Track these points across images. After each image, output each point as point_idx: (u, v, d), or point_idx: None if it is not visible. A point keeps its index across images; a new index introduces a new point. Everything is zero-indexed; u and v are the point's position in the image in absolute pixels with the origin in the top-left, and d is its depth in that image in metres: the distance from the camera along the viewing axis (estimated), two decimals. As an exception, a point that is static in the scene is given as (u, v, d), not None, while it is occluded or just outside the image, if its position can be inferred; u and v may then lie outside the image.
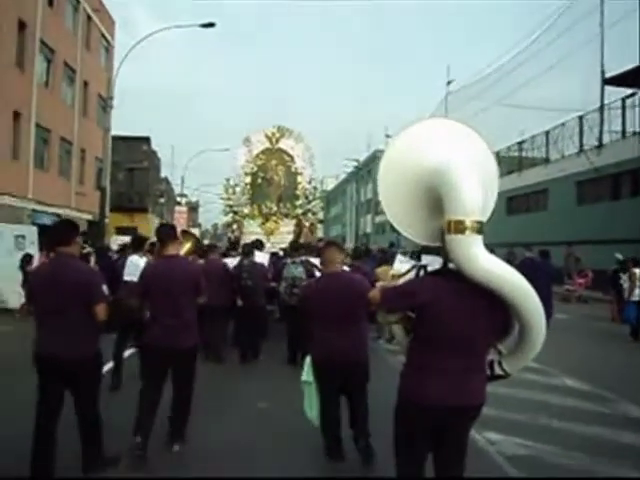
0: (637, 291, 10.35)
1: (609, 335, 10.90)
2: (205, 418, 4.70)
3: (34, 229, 13.88)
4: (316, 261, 7.43)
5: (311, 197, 14.43)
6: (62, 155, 22.78)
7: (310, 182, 14.48)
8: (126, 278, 5.95)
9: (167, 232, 4.47)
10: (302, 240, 12.16)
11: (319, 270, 5.82)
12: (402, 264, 3.22)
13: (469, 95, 32.06)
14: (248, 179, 14.14)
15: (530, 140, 26.47)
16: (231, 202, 14.13)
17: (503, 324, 2.57)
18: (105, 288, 3.78)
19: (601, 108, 21.25)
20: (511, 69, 29.54)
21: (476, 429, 2.93)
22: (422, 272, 2.82)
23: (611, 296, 12.97)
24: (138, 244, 6.75)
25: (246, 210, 14.03)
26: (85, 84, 25.10)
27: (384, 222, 42.31)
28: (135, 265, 5.86)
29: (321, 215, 17.67)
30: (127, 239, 15.68)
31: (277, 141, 14.35)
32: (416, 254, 3.63)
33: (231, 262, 8.26)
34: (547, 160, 24.90)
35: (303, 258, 7.85)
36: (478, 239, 2.41)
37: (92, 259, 9.76)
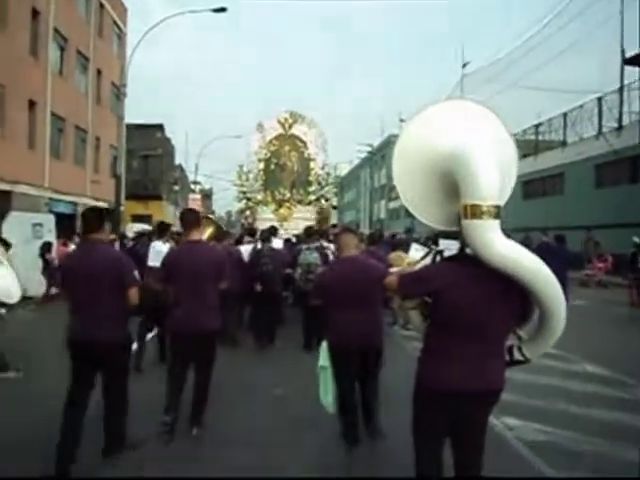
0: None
1: (629, 320, 10.76)
2: (221, 404, 4.74)
3: (51, 217, 14.07)
4: (330, 246, 7.43)
5: (324, 183, 14.38)
6: (77, 143, 22.96)
7: (323, 168, 14.43)
8: (150, 263, 6.07)
9: (190, 217, 4.54)
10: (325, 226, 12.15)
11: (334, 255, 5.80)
12: (417, 252, 3.18)
13: (485, 78, 31.62)
14: (261, 165, 14.14)
15: (547, 123, 26.00)
16: (244, 188, 14.14)
17: (522, 309, 2.53)
18: (136, 273, 3.86)
19: (620, 89, 20.75)
20: (526, 51, 29.04)
21: (494, 415, 2.91)
22: (438, 257, 2.78)
23: (629, 280, 12.79)
24: (162, 230, 6.85)
25: (259, 196, 14.03)
26: (98, 72, 25.16)
27: (398, 208, 42.09)
28: (159, 251, 5.98)
29: (334, 201, 17.59)
30: (143, 227, 15.88)
31: (290, 127, 14.29)
32: (431, 240, 3.57)
33: (245, 249, 8.28)
34: (564, 143, 24.46)
35: (318, 244, 7.83)
36: (495, 224, 2.36)
37: (116, 245, 9.89)
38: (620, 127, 20.49)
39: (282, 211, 13.90)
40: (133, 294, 3.71)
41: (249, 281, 7.62)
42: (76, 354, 3.66)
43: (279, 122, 14.24)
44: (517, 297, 2.45)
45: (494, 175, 2.39)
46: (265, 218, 13.34)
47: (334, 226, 13.42)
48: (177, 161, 47.56)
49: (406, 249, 3.93)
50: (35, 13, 18.44)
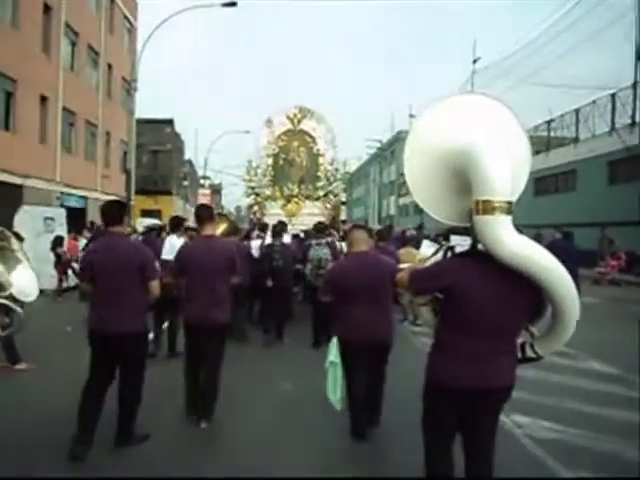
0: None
1: (640, 319, 10.62)
2: (229, 399, 4.75)
3: (62, 211, 14.18)
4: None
5: (332, 179, 14.33)
6: (88, 138, 23.11)
7: (332, 163, 14.36)
8: (164, 257, 6.12)
9: (204, 213, 4.59)
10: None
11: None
12: (429, 248, 3.17)
13: (496, 74, 31.38)
14: (270, 161, 14.10)
15: (559, 119, 25.73)
16: (253, 184, 14.12)
17: (535, 306, 2.50)
18: (157, 265, 3.90)
19: (634, 85, 20.47)
20: (538, 47, 28.74)
21: (504, 412, 2.89)
22: (450, 253, 2.77)
23: (641, 278, 12.67)
24: (175, 225, 6.88)
25: (268, 192, 14.01)
26: (109, 67, 25.29)
27: (408, 204, 41.94)
28: (173, 245, 6.02)
29: (343, 197, 17.52)
30: (153, 221, 15.95)
31: (299, 122, 14.23)
32: (441, 236, 3.55)
33: (254, 244, 8.29)
34: (577, 139, 24.20)
35: (328, 239, 7.82)
36: (507, 220, 2.33)
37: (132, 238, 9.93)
38: (633, 123, 20.22)
39: (290, 207, 13.85)
40: (155, 286, 3.77)
41: (259, 276, 7.63)
42: (98, 345, 3.70)
43: (288, 117, 14.17)
44: (529, 293, 2.43)
45: (506, 170, 2.36)
46: (273, 213, 13.31)
47: (344, 222, 13.38)
48: (186, 156, 47.75)
49: (417, 245, 3.93)
50: (47, 8, 18.54)
